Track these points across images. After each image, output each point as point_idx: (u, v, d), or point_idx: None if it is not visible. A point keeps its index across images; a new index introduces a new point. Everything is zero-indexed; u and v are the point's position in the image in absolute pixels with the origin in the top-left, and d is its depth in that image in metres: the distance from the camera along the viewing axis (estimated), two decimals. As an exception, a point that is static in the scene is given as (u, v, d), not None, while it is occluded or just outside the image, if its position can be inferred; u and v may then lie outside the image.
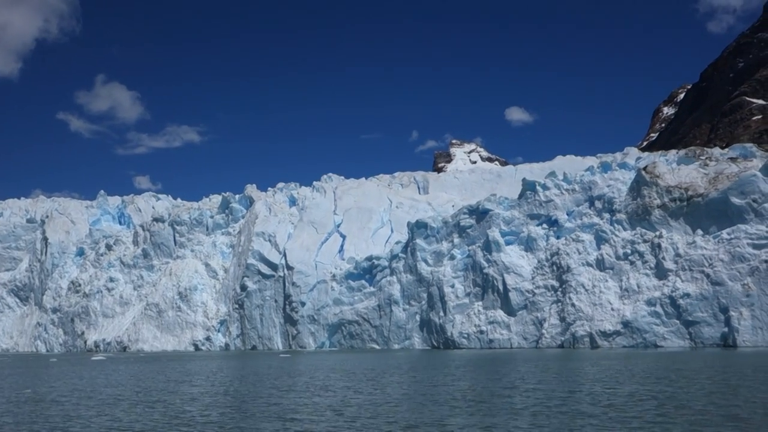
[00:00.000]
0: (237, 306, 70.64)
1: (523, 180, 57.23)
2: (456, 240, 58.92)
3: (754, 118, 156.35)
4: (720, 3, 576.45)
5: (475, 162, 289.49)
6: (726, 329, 43.74)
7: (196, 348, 70.90)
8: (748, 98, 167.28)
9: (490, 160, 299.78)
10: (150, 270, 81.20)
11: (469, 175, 79.61)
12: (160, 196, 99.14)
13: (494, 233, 55.37)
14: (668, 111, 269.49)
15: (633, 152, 73.38)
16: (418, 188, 79.29)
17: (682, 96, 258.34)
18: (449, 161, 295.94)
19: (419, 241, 60.69)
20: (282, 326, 67.70)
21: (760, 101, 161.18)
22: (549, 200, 55.13)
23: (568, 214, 54.29)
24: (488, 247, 55.35)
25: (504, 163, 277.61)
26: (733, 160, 50.39)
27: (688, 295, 45.32)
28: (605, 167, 54.38)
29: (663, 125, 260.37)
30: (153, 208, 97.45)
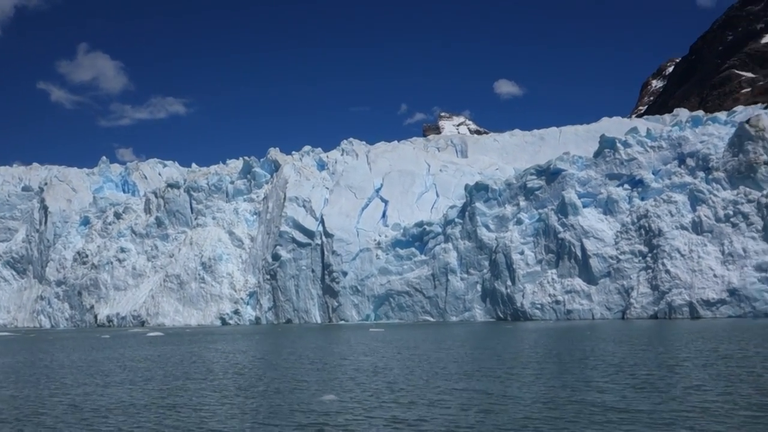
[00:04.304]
0: (269, 277, 65.20)
1: (602, 137, 52.32)
2: (522, 203, 54.00)
3: (743, 90, 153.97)
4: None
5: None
6: None
7: (223, 322, 65.43)
8: (737, 71, 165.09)
9: (478, 132, 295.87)
10: (165, 239, 75.26)
11: (510, 138, 74.62)
12: (166, 162, 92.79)
13: (570, 195, 50.55)
14: (657, 84, 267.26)
15: (683, 113, 69.07)
16: (456, 151, 74.17)
17: (671, 69, 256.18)
18: (438, 134, 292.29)
19: (479, 205, 55.68)
20: (320, 298, 62.46)
21: (749, 74, 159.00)
22: (632, 158, 50.35)
23: (654, 174, 49.62)
24: (563, 209, 50.56)
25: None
26: (837, 114, 46.03)
27: (805, 259, 41.01)
28: (696, 122, 49.72)
29: (652, 98, 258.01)
30: (159, 174, 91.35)
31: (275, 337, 36.44)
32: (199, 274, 68.20)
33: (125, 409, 12.00)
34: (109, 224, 79.58)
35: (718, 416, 9.64)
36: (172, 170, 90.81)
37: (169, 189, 77.10)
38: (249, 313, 66.00)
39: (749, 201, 44.48)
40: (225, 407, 11.80)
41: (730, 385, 12.30)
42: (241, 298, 66.16)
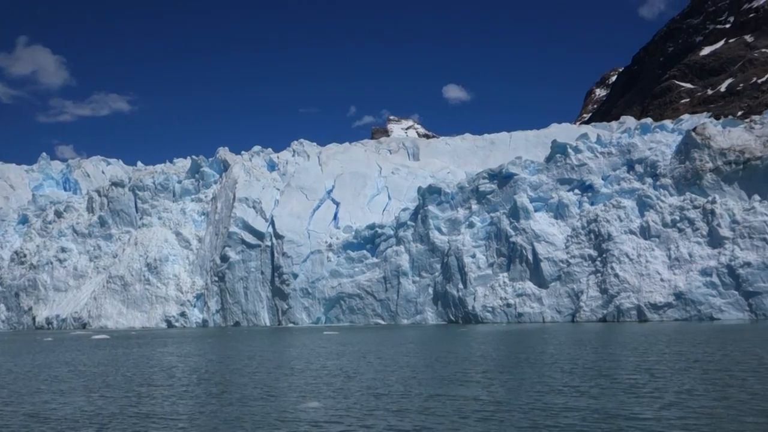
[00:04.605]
0: (217, 279, 64.00)
1: (553, 142, 53.01)
2: (474, 207, 54.29)
3: (683, 101, 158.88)
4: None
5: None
6: (791, 300, 40.92)
7: (169, 325, 63.93)
8: (677, 82, 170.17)
9: (427, 136, 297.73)
10: (108, 239, 73.17)
11: (461, 142, 75.02)
12: (110, 160, 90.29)
13: (522, 199, 51.07)
14: (600, 92, 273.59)
15: (629, 121, 70.78)
16: (408, 154, 74.21)
17: (614, 78, 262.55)
18: (386, 137, 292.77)
19: (431, 208, 55.79)
20: (270, 300, 61.60)
21: (688, 85, 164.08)
22: (582, 164, 51.16)
23: (603, 179, 50.52)
24: (515, 213, 51.04)
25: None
26: (778, 124, 47.65)
27: (748, 264, 42.23)
28: (644, 129, 50.81)
29: (595, 106, 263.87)
30: (103, 173, 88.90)
31: (228, 340, 35.69)
32: (144, 276, 66.51)
33: (92, 419, 11.38)
34: (49, 223, 76.99)
35: (727, 422, 9.57)
36: (117, 168, 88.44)
37: (114, 187, 75.03)
38: (196, 315, 64.66)
39: (695, 207, 45.66)
40: (205, 417, 11.28)
41: (721, 390, 12.33)
42: (188, 300, 64.77)
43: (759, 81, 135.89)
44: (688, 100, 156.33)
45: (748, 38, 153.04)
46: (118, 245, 71.89)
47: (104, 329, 62.77)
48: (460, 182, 57.00)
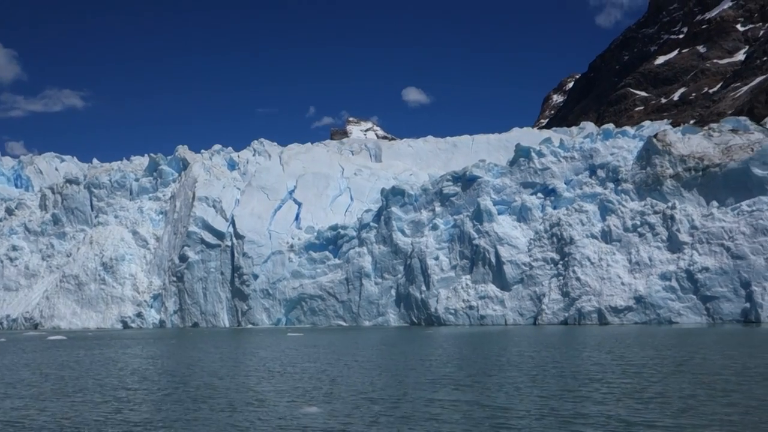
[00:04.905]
0: (175, 279, 62.83)
1: (517, 146, 53.35)
2: (438, 209, 54.34)
3: (637, 108, 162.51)
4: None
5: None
6: (747, 305, 41.73)
7: (125, 325, 62.52)
8: (632, 90, 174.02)
9: (386, 138, 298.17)
10: (62, 238, 71.30)
11: (424, 144, 75.12)
12: (64, 157, 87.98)
13: (486, 202, 51.27)
14: (558, 98, 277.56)
15: (589, 126, 71.81)
16: (370, 155, 73.99)
17: (571, 85, 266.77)
18: (345, 138, 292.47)
19: (395, 210, 55.67)
20: (229, 301, 60.72)
21: (643, 93, 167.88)
22: (545, 168, 51.60)
23: (566, 183, 51.02)
24: (478, 216, 51.21)
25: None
26: (734, 131, 48.78)
27: (706, 269, 43.08)
28: (606, 134, 51.48)
29: (553, 112, 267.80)
30: (56, 170, 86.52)
31: (191, 342, 34.93)
32: (99, 275, 64.93)
33: (78, 428, 10.75)
34: (0, 220, 74.67)
35: (749, 430, 9.42)
36: (71, 165, 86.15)
37: (68, 185, 73.18)
38: (153, 316, 63.38)
39: (655, 212, 46.40)
40: (202, 425, 10.61)
41: (725, 395, 12.07)
42: (145, 301, 63.45)
43: (710, 91, 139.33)
44: (642, 107, 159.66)
45: (701, 49, 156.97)
46: (73, 244, 70.10)
47: (57, 330, 61.05)
48: (424, 184, 57.01)
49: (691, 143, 47.34)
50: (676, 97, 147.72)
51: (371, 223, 56.88)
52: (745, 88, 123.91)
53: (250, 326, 58.22)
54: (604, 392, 12.86)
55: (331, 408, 11.67)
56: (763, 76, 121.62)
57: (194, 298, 61.58)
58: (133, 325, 62.59)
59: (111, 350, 28.51)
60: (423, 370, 17.41)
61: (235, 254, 60.32)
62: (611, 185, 49.07)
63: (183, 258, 62.15)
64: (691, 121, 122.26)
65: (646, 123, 56.17)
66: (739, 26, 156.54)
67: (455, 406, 11.65)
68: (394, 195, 56.11)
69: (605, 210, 48.22)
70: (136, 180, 71.95)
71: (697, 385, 13.42)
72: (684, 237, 44.76)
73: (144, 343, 33.80)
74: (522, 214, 51.17)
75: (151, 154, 72.80)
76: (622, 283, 45.37)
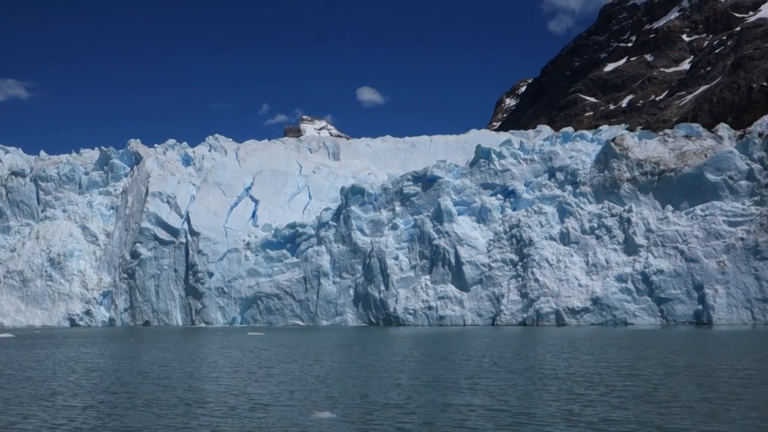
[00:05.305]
0: (126, 276, 61.30)
1: (477, 147, 53.66)
2: (398, 209, 54.25)
3: (586, 114, 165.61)
4: (561, 4, 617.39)
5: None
6: (700, 307, 42.86)
7: (73, 323, 60.71)
8: (581, 95, 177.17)
9: (340, 137, 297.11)
10: (6, 232, 68.85)
11: (382, 144, 74.96)
12: (8, 148, 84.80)
13: (446, 202, 51.41)
14: (510, 102, 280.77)
15: (545, 129, 72.73)
16: (328, 154, 73.51)
17: (523, 89, 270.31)
18: (299, 136, 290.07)
19: (354, 209, 55.37)
20: (183, 299, 59.53)
21: (592, 99, 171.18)
22: (505, 169, 52.01)
23: (526, 185, 51.50)
24: (438, 216, 51.32)
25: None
26: (688, 137, 49.99)
27: (661, 271, 44.04)
28: (565, 138, 52.16)
29: (505, 115, 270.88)
30: (0, 162, 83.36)
31: (150, 341, 34.03)
32: (45, 271, 62.90)
33: None
34: (-61, 213, 71.63)
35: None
36: (15, 157, 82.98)
37: (13, 177, 70.74)
38: (102, 314, 61.69)
39: (612, 215, 47.22)
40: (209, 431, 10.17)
41: (740, 399, 11.83)
42: (94, 298, 61.72)
43: (657, 98, 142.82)
44: (591, 113, 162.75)
45: (649, 57, 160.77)
46: (17, 239, 67.73)
47: (1, 327, 58.93)
48: (384, 183, 56.89)
49: (647, 148, 48.35)
50: (624, 103, 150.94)
51: (330, 222, 56.47)
52: (690, 96, 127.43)
53: (203, 325, 57.20)
54: (614, 395, 12.51)
55: (344, 412, 11.09)
56: (707, 86, 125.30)
57: (146, 295, 60.18)
58: (81, 323, 60.83)
59: (69, 349, 27.50)
60: (411, 371, 17.08)
61: (190, 251, 59.16)
62: (570, 188, 49.75)
63: (135, 254, 60.68)
64: (638, 128, 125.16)
65: (604, 127, 57.23)
66: (684, 36, 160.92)
67: (471, 410, 11.18)
68: (353, 194, 55.82)
69: (564, 212, 48.85)
70: (86, 174, 69.95)
71: (702, 388, 13.41)
72: (640, 240, 45.66)
73: (101, 342, 32.78)
74: (482, 215, 51.47)
75: (102, 147, 70.94)
76: (580, 285, 46.02)
